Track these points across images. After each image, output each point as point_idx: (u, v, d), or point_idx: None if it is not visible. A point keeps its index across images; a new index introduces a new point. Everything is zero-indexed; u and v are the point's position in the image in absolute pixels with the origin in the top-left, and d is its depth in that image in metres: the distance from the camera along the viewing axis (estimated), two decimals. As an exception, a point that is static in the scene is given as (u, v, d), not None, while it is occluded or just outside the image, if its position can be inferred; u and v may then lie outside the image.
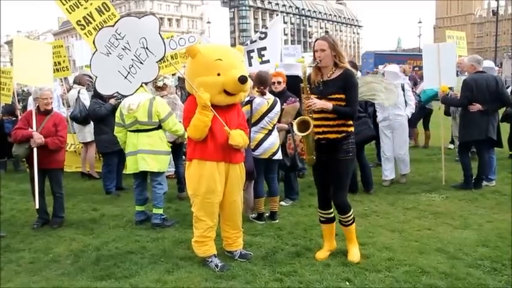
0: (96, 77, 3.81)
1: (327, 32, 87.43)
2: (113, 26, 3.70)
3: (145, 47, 3.60)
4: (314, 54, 3.56)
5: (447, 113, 7.91)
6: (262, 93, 4.65)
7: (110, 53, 3.64)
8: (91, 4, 5.67)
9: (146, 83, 4.63)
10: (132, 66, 3.65)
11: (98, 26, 5.70)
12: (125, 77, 3.68)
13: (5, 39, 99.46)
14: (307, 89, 3.52)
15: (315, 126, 3.55)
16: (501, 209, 5.02)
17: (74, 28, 6.02)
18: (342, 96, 3.50)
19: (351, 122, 3.63)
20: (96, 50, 3.69)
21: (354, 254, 3.72)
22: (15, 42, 5.24)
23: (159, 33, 3.69)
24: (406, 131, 6.29)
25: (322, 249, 3.87)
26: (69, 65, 7.91)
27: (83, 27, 5.74)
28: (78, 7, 5.66)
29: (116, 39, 3.62)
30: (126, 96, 5.06)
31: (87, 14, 5.69)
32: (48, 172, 4.92)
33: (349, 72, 3.56)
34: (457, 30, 9.07)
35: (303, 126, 3.48)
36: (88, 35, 5.78)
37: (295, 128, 3.51)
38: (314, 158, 3.60)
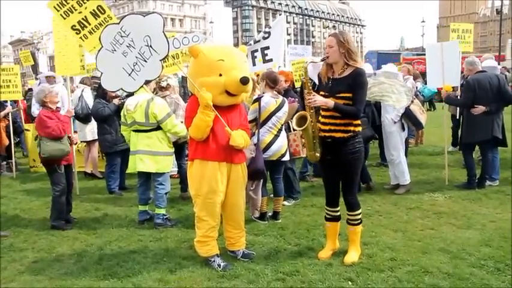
0: (102, 73, 3.85)
1: (334, 27, 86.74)
2: (118, 23, 3.72)
3: (149, 45, 3.62)
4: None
5: (461, 114, 7.80)
6: (279, 93, 4.65)
7: (115, 50, 3.67)
8: (85, 8, 5.62)
9: (150, 81, 4.64)
10: (136, 63, 3.68)
11: (93, 30, 5.68)
12: (129, 74, 3.70)
13: (9, 39, 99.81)
14: (309, 84, 3.49)
15: (323, 124, 3.54)
16: (504, 209, 5.00)
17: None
18: (350, 95, 3.47)
19: (358, 122, 3.59)
20: (102, 46, 3.72)
21: (351, 256, 3.70)
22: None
23: (163, 31, 3.70)
24: (393, 136, 5.84)
25: (325, 248, 3.86)
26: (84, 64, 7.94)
27: (78, 32, 5.72)
28: (72, 12, 5.62)
29: (121, 36, 3.65)
30: (129, 96, 5.10)
31: (82, 19, 5.66)
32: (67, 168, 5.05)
33: (358, 71, 3.51)
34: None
35: (302, 121, 3.47)
36: (84, 38, 5.76)
37: (294, 123, 3.48)
38: (317, 155, 3.58)
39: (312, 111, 3.49)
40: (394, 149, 5.87)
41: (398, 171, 5.88)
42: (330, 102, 3.43)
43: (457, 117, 8.12)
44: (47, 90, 4.92)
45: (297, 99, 5.36)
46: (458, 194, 5.64)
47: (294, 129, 5.27)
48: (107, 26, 3.83)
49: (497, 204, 5.22)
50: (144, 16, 3.73)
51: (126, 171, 5.50)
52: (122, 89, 4.11)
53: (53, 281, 3.57)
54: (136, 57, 3.65)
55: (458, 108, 7.84)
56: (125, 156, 5.58)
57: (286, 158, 4.78)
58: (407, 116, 5.81)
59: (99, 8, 5.67)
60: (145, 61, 3.65)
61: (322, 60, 3.59)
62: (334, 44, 3.47)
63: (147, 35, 3.61)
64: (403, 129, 5.96)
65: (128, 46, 3.65)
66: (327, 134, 3.54)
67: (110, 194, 6.25)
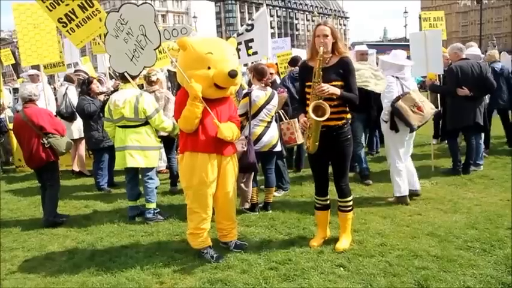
0: (110, 55, 4.05)
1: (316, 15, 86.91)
2: (118, 11, 3.86)
3: (144, 34, 3.76)
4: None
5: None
6: (266, 85, 4.67)
7: (118, 36, 3.86)
8: (73, 0, 5.56)
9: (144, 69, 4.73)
10: (136, 50, 3.85)
11: (81, 23, 5.60)
12: (131, 59, 3.88)
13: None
14: (320, 73, 3.43)
15: None
16: (489, 193, 5.13)
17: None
18: (341, 83, 3.51)
19: (348, 109, 3.65)
20: (108, 31, 3.90)
21: (342, 243, 3.75)
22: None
23: (155, 22, 3.78)
24: (387, 137, 5.12)
25: (316, 236, 3.92)
26: (65, 60, 7.85)
27: (64, 25, 5.61)
28: (58, 4, 5.50)
29: (121, 24, 3.81)
30: (114, 92, 5.08)
31: (69, 11, 5.56)
32: None
33: (346, 59, 3.57)
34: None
35: (321, 111, 3.39)
36: (70, 32, 5.66)
37: (310, 112, 3.37)
38: (317, 144, 3.57)
39: (321, 100, 3.41)
40: (388, 152, 5.21)
41: (392, 179, 5.00)
42: (337, 90, 3.45)
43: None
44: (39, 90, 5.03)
45: (286, 90, 5.41)
46: (444, 180, 5.76)
47: (286, 119, 5.32)
48: (109, 12, 3.98)
49: (482, 188, 5.34)
50: (137, 6, 3.80)
51: (114, 168, 5.48)
52: (126, 71, 4.28)
53: (45, 279, 3.55)
54: (135, 45, 3.80)
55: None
56: (113, 153, 5.55)
57: (278, 148, 4.81)
58: (397, 115, 4.81)
59: (87, 0, 5.58)
60: (142, 49, 3.79)
61: (323, 52, 3.43)
62: (329, 33, 3.50)
63: (142, 25, 3.75)
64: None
65: (127, 33, 3.81)
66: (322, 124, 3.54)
67: (98, 191, 6.21)
